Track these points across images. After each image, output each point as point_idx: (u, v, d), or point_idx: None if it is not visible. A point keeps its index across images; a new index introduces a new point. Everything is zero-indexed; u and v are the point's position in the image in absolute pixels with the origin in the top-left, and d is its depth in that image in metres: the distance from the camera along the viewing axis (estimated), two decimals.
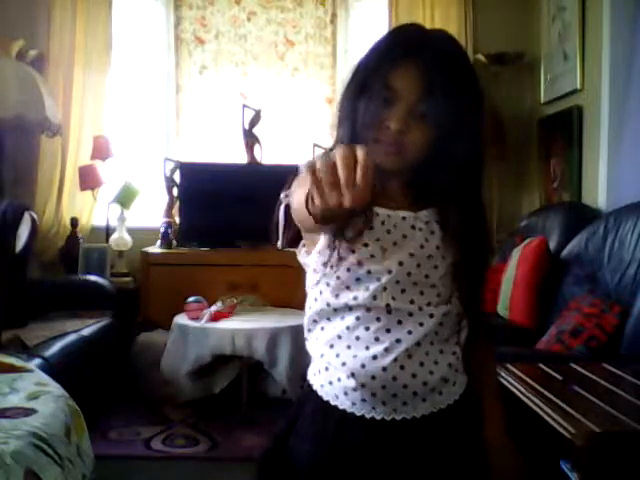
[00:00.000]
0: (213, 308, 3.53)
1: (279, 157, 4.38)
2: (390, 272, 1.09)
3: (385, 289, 1.10)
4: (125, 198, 4.24)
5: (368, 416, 1.11)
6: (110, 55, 4.33)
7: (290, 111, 4.47)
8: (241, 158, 4.28)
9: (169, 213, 4.30)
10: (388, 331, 1.10)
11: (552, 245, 3.02)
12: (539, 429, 1.48)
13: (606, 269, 2.58)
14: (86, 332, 3.33)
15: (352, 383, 1.11)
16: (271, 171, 4.15)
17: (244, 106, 4.25)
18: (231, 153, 4.40)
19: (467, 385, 1.19)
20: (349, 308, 1.12)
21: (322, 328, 1.16)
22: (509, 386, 1.66)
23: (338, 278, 1.12)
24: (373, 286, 1.10)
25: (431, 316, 1.11)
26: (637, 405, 1.47)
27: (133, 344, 3.71)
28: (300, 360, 3.34)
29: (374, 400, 1.11)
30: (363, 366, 1.10)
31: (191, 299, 3.60)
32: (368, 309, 1.11)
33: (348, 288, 1.11)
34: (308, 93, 4.48)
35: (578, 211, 3.30)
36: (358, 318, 1.11)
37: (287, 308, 3.72)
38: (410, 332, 1.10)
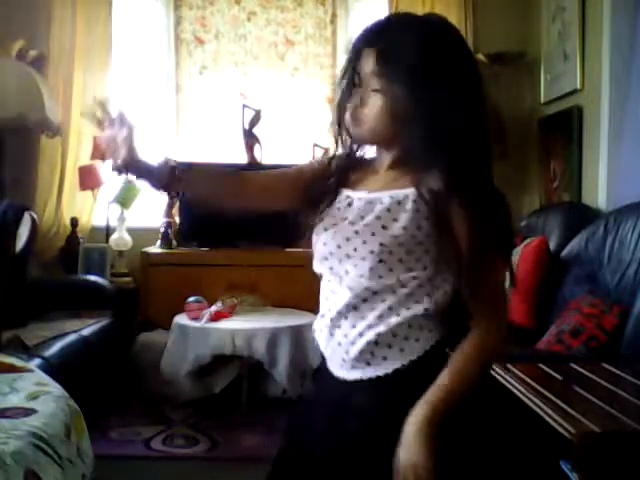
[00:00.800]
0: (213, 308, 3.53)
1: (279, 157, 4.38)
2: (325, 244, 1.25)
3: (326, 258, 1.25)
4: (125, 198, 4.24)
5: (328, 366, 1.28)
6: (110, 55, 4.33)
7: (290, 111, 4.47)
8: (241, 158, 4.28)
9: (169, 213, 4.30)
10: (330, 294, 1.26)
11: (552, 245, 3.01)
12: (539, 429, 1.48)
13: (606, 269, 2.58)
14: (86, 332, 3.33)
15: (315, 336, 1.31)
16: None
17: (244, 106, 4.24)
18: (231, 153, 4.39)
19: (414, 362, 1.19)
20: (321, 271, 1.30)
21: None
22: (509, 386, 1.66)
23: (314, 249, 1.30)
24: (323, 253, 1.26)
25: (350, 289, 1.20)
26: (637, 405, 1.47)
27: (133, 344, 3.71)
28: (300, 360, 3.34)
29: (325, 354, 1.28)
30: (317, 323, 1.29)
31: (191, 299, 3.60)
32: (328, 271, 1.26)
33: (318, 255, 1.28)
34: (308, 93, 4.48)
35: (578, 211, 3.29)
36: (327, 280, 1.28)
37: (287, 308, 3.72)
38: (336, 301, 1.23)
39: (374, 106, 1.21)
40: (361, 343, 1.19)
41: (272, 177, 1.41)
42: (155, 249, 4.12)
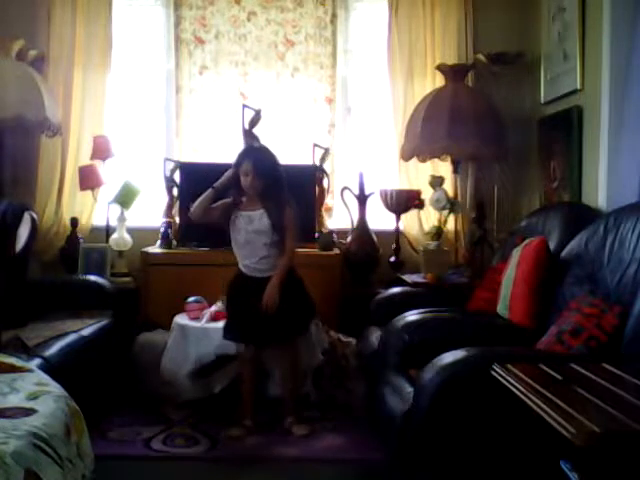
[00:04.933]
0: (213, 308, 3.53)
1: (279, 157, 4.37)
2: (241, 236, 3.24)
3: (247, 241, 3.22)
4: (125, 198, 4.24)
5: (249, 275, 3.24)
6: (110, 55, 4.33)
7: (290, 111, 4.47)
8: None
9: (169, 213, 4.30)
10: (249, 252, 3.24)
11: (552, 245, 3.01)
12: (539, 429, 1.49)
13: (606, 269, 2.57)
14: (86, 332, 3.33)
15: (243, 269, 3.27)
16: None
17: (244, 106, 4.24)
18: (231, 153, 4.38)
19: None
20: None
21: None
22: (509, 386, 1.66)
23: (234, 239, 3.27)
24: (241, 240, 3.23)
25: (258, 249, 3.22)
26: (637, 405, 1.47)
27: (133, 344, 3.71)
28: (299, 360, 3.34)
29: (248, 272, 3.25)
30: (245, 263, 3.26)
31: (191, 299, 3.61)
32: (246, 244, 3.24)
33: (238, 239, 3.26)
34: (308, 93, 4.48)
35: (578, 211, 3.29)
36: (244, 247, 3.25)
37: None
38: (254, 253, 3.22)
39: (255, 183, 3.18)
40: (266, 265, 3.20)
41: (219, 210, 3.26)
42: (155, 249, 4.12)
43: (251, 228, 3.18)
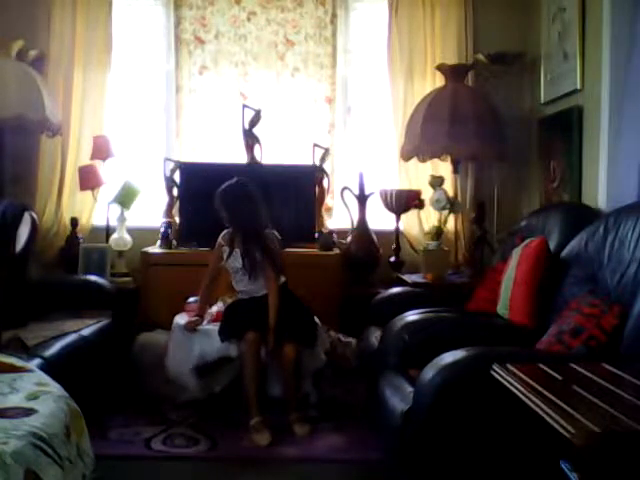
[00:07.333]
0: (214, 308, 3.53)
1: (279, 157, 4.38)
2: (238, 269, 3.42)
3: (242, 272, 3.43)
4: (125, 198, 4.24)
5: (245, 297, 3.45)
6: (110, 55, 4.33)
7: (290, 111, 4.47)
8: (241, 158, 4.28)
9: (169, 213, 4.30)
10: (246, 282, 3.44)
11: (552, 245, 3.01)
12: (539, 429, 1.49)
13: (606, 269, 2.57)
14: (86, 332, 3.33)
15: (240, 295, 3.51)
16: (271, 171, 4.15)
17: (244, 106, 4.24)
18: (231, 153, 4.39)
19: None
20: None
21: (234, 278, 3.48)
22: (509, 386, 1.66)
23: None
24: (229, 271, 3.46)
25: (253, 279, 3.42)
26: (637, 405, 1.47)
27: (133, 344, 3.71)
28: (299, 359, 3.33)
29: (244, 296, 3.46)
30: (242, 289, 3.46)
31: (191, 299, 3.60)
32: (241, 275, 3.43)
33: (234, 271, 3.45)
34: (308, 93, 4.48)
35: (578, 211, 3.29)
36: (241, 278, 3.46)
37: None
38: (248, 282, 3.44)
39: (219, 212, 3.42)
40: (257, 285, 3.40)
41: (216, 270, 3.51)
42: (155, 249, 4.11)
43: (231, 263, 3.41)
